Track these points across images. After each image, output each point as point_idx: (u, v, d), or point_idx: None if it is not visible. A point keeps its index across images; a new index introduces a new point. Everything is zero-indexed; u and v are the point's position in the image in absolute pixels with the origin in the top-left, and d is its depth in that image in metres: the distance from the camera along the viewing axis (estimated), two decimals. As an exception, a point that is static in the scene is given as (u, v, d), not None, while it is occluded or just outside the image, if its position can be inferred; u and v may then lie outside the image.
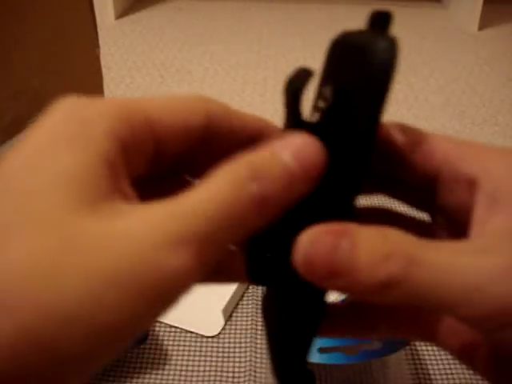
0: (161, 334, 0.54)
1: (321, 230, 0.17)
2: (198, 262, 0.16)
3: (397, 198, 0.24)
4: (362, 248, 0.17)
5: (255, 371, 0.51)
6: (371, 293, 0.17)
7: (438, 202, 0.22)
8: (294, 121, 0.20)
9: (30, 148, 0.17)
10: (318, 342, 0.44)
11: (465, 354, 0.22)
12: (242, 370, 0.51)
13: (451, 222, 0.22)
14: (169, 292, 0.16)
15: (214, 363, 0.51)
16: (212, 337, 0.54)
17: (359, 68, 0.18)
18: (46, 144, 0.17)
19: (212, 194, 0.16)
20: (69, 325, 0.14)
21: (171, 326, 0.55)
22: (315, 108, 0.20)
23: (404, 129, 0.21)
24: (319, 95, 0.20)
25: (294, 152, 0.18)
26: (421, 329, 0.23)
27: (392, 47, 0.17)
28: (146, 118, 0.19)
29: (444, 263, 0.17)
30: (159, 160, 0.20)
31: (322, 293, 0.20)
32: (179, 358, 0.52)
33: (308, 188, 0.18)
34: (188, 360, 0.52)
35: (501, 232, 0.18)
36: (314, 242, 0.17)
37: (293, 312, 0.21)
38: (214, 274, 0.19)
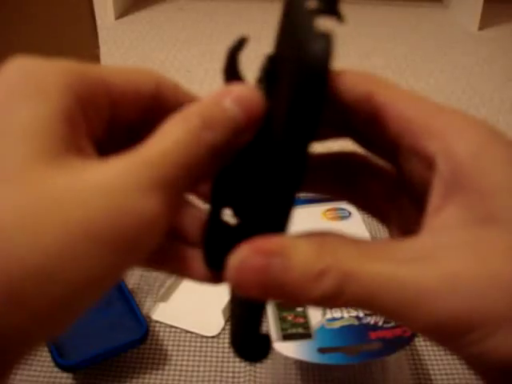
0: (161, 333, 0.54)
1: (251, 249, 0.17)
2: (168, 207, 0.16)
3: (363, 147, 0.22)
4: (295, 266, 0.17)
5: (255, 371, 0.51)
6: (311, 305, 0.17)
7: (401, 175, 0.20)
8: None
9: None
10: (318, 342, 0.44)
11: None
12: (242, 369, 0.51)
13: (415, 197, 0.20)
14: (143, 237, 0.16)
15: (213, 363, 0.51)
16: (212, 337, 0.54)
17: (295, 59, 0.17)
18: (2, 100, 0.17)
19: (173, 143, 0.17)
20: (41, 279, 0.14)
21: (171, 326, 0.55)
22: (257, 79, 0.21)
23: (367, 78, 0.19)
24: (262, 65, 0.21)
25: (235, 99, 0.18)
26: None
27: (326, 51, 0.16)
28: (101, 78, 0.19)
29: (382, 276, 0.16)
30: (114, 125, 0.21)
31: None
32: (179, 357, 0.52)
33: (252, 131, 0.19)
34: (188, 360, 0.52)
35: (450, 228, 0.17)
36: (244, 263, 0.17)
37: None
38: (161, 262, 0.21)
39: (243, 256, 0.17)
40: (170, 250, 0.21)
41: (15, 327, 0.14)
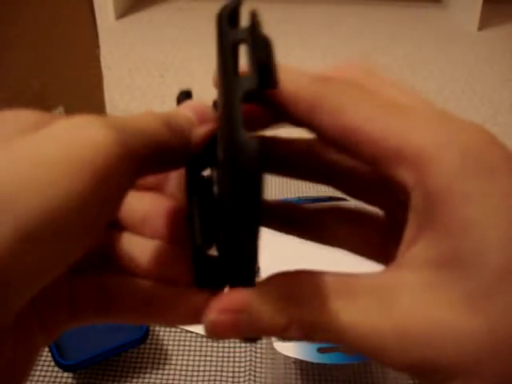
0: (161, 333, 0.54)
1: (220, 307, 0.18)
2: (124, 147, 0.16)
3: (342, 191, 0.23)
4: (261, 321, 0.18)
5: (255, 371, 0.51)
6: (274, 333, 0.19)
7: (379, 200, 0.22)
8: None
9: None
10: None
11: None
12: (242, 369, 0.51)
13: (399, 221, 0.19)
14: (97, 165, 0.16)
15: (214, 363, 0.51)
16: (212, 337, 0.54)
17: (228, 155, 0.17)
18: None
19: (132, 117, 0.19)
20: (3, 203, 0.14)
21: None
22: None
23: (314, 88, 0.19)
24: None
25: (191, 108, 0.21)
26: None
27: (256, 158, 0.15)
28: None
29: (343, 327, 0.17)
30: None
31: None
32: (179, 357, 0.52)
33: (205, 132, 0.21)
34: (188, 360, 0.52)
35: (414, 265, 0.17)
36: (215, 320, 0.18)
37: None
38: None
39: (214, 314, 0.18)
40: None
41: None
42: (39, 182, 0.15)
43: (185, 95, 0.24)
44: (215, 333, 0.19)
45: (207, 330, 0.19)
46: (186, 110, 0.21)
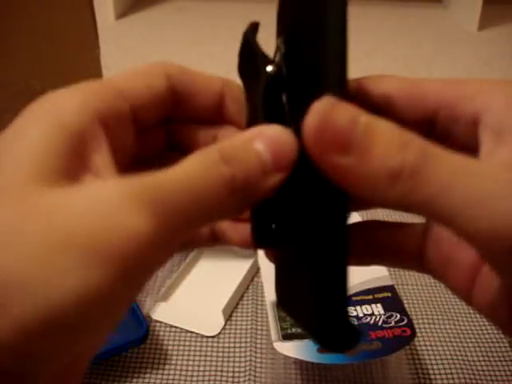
0: (161, 333, 0.54)
1: (340, 102, 0.16)
2: (162, 230, 0.16)
3: None
4: (379, 130, 0.16)
5: (255, 371, 0.51)
6: (377, 182, 0.16)
7: None
8: (252, 71, 0.21)
9: (7, 132, 0.17)
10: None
11: (462, 287, 0.21)
12: (242, 369, 0.51)
13: None
14: (131, 254, 0.15)
15: (214, 363, 0.51)
16: (212, 337, 0.54)
17: (310, 7, 0.18)
18: (20, 125, 0.17)
19: (183, 171, 0.17)
20: (25, 287, 0.14)
21: (171, 326, 0.55)
22: (273, 61, 0.21)
23: (388, 79, 0.21)
24: (276, 49, 0.21)
25: (266, 141, 0.18)
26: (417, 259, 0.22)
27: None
28: (116, 88, 0.20)
29: (460, 164, 0.16)
30: (141, 135, 0.21)
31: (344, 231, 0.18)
32: (179, 357, 0.52)
33: (282, 177, 0.18)
34: (188, 360, 0.52)
35: (508, 164, 0.17)
36: (332, 110, 0.16)
37: (315, 261, 0.19)
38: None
39: (334, 104, 0.16)
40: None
41: None
42: (64, 266, 0.14)
43: (254, 29, 0.22)
44: (325, 126, 0.16)
45: (315, 121, 0.16)
46: (261, 144, 0.18)
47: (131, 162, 0.21)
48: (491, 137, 0.19)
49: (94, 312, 0.15)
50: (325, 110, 0.16)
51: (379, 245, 0.22)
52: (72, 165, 0.17)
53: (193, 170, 0.17)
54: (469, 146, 0.20)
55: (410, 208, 0.17)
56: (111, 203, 0.15)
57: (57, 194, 0.16)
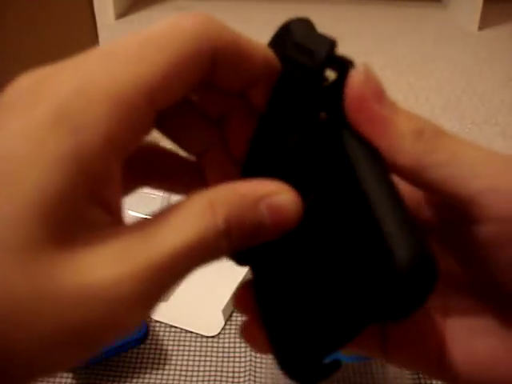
0: (161, 333, 0.54)
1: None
2: (147, 315, 0.18)
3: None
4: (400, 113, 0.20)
5: (255, 371, 0.51)
6: (404, 136, 0.19)
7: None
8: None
9: (9, 155, 0.15)
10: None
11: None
12: (242, 369, 0.51)
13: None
14: (113, 335, 0.16)
15: (213, 363, 0.51)
16: (212, 337, 0.54)
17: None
18: (27, 154, 0.15)
19: (183, 245, 0.17)
20: (29, 367, 0.15)
21: (171, 326, 0.55)
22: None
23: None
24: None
25: (270, 207, 0.18)
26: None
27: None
28: (146, 95, 0.17)
29: (462, 140, 0.20)
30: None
31: None
32: (179, 357, 0.52)
33: (274, 237, 0.19)
34: (188, 360, 0.52)
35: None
36: (367, 81, 0.19)
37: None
38: None
39: (368, 69, 0.20)
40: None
41: None
42: (61, 354, 0.16)
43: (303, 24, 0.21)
44: (364, 93, 0.19)
45: (356, 89, 0.19)
46: (266, 210, 0.18)
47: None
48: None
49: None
50: (367, 70, 0.19)
51: None
52: (80, 218, 0.16)
53: (192, 242, 0.17)
54: None
55: (428, 168, 0.19)
56: (110, 298, 0.16)
57: (64, 275, 0.15)
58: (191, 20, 0.19)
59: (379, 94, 0.19)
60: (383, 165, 0.19)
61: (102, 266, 0.16)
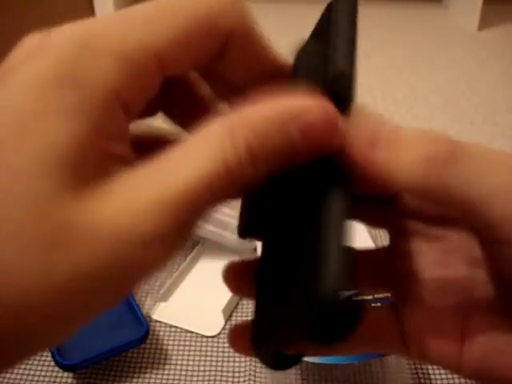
0: (161, 333, 0.54)
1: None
2: (170, 253, 0.17)
3: None
4: (402, 133, 0.18)
5: (255, 371, 0.51)
6: (414, 166, 0.18)
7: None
8: None
9: (15, 109, 0.16)
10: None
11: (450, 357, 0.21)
12: (242, 369, 0.51)
13: None
14: (140, 275, 0.17)
15: (214, 363, 0.52)
16: (212, 337, 0.54)
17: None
18: (33, 107, 0.16)
19: (200, 182, 0.16)
20: (50, 318, 0.15)
21: (171, 326, 0.55)
22: None
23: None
24: None
25: (302, 128, 0.17)
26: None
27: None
28: (155, 56, 0.17)
29: (487, 155, 0.18)
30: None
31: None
32: (179, 357, 0.52)
33: (306, 159, 0.17)
34: (188, 360, 0.52)
35: None
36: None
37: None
38: None
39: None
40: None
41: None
42: (85, 295, 0.16)
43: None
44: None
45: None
46: (296, 128, 0.17)
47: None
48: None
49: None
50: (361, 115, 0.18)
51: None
52: (97, 167, 0.16)
53: (210, 177, 0.16)
54: None
55: (445, 194, 0.18)
56: (127, 240, 0.16)
57: (82, 216, 0.15)
58: None
59: (377, 138, 0.18)
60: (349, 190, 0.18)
61: (116, 207, 0.16)
